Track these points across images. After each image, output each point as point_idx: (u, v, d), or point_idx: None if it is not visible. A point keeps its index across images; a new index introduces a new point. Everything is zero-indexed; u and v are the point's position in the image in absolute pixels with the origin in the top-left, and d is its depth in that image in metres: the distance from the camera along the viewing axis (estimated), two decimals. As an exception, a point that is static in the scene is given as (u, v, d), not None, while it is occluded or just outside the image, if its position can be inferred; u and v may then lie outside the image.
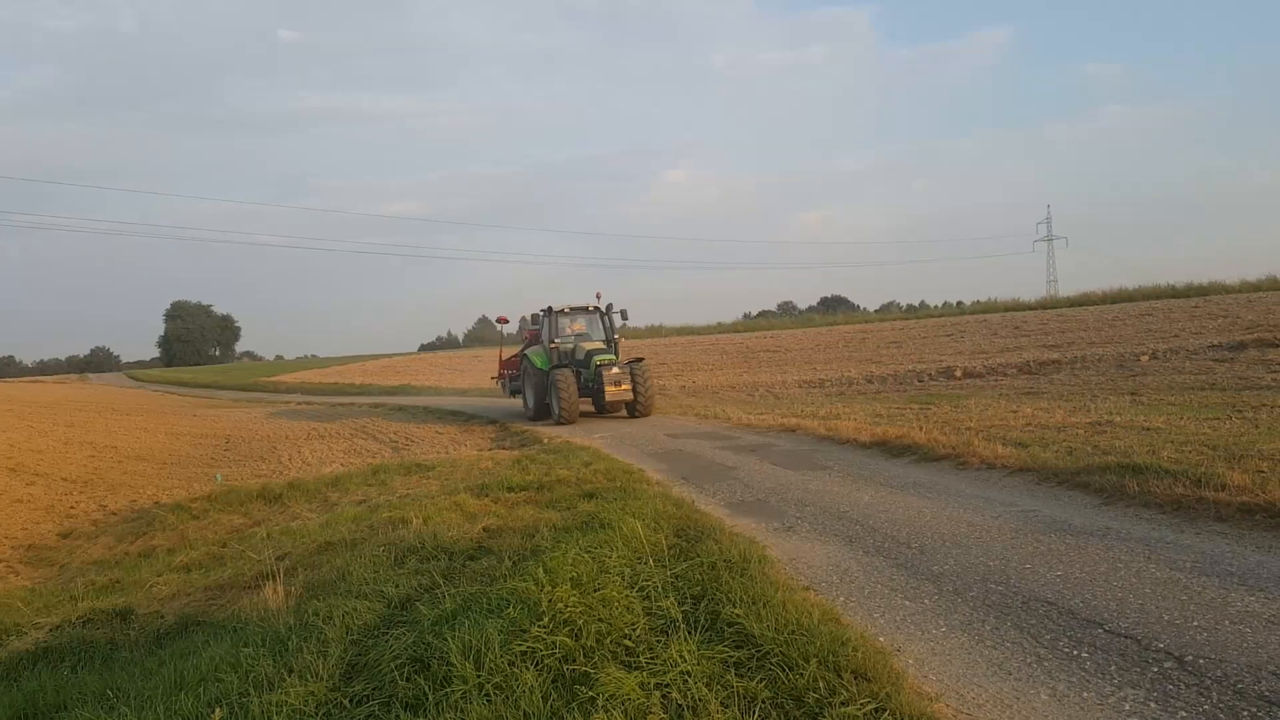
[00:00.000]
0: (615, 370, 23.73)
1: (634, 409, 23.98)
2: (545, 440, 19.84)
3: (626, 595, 5.97)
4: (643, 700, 4.56)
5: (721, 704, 4.56)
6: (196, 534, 13.79)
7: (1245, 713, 4.37)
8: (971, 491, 10.18)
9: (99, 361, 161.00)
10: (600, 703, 4.56)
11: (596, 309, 26.67)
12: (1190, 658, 5.06)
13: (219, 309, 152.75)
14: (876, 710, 4.37)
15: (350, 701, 5.32)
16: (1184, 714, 4.42)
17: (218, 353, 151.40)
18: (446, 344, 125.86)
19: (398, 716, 4.91)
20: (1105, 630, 5.61)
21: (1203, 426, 12.25)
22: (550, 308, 26.27)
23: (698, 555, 7.18)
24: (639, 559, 6.92)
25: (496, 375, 31.43)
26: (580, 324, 27.01)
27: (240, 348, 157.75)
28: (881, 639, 5.75)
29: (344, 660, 5.94)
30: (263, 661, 6.08)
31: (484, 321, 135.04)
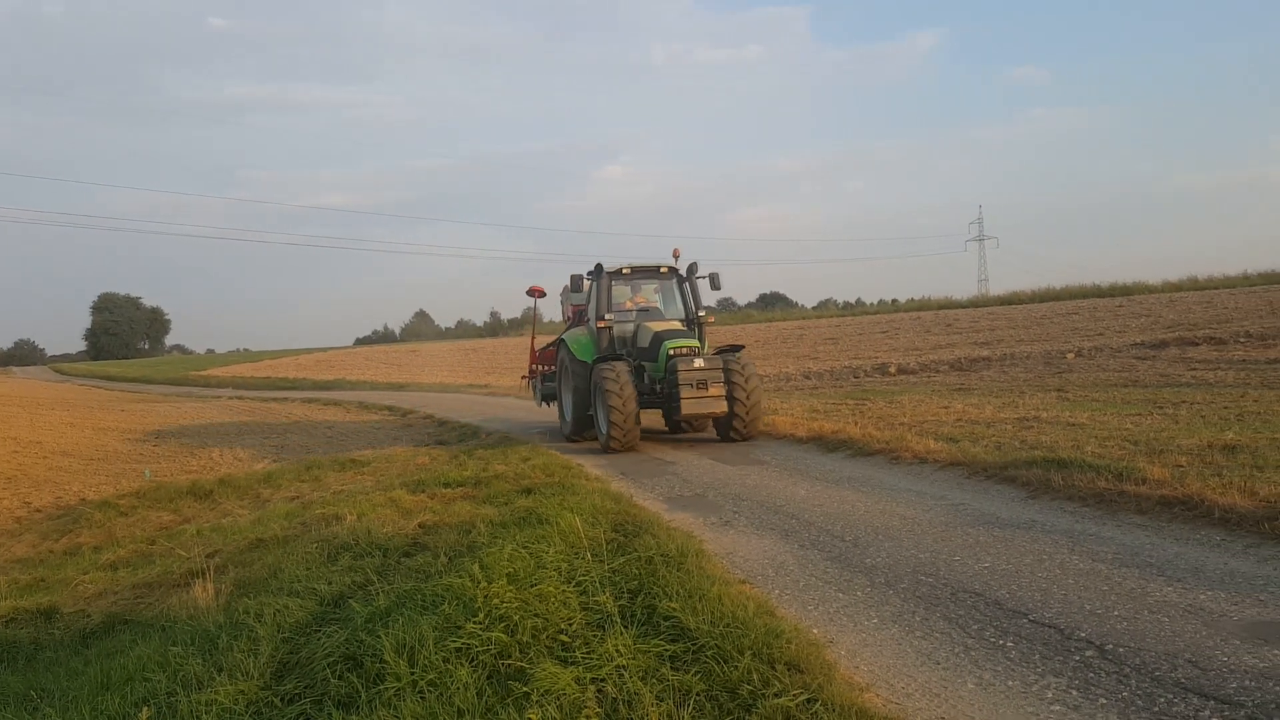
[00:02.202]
0: (699, 364, 14.70)
1: (729, 428, 15.32)
2: (483, 436, 19.73)
3: (563, 590, 5.97)
4: (578, 695, 4.57)
5: (656, 697, 4.58)
6: (124, 531, 13.49)
7: (1161, 699, 4.51)
8: (904, 485, 10.36)
9: (23, 354, 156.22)
10: (535, 698, 4.56)
11: (672, 271, 17.57)
12: (1110, 646, 5.21)
13: (148, 301, 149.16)
14: (808, 701, 4.43)
15: (282, 700, 5.26)
16: (1104, 701, 4.55)
17: (147, 346, 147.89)
18: (383, 338, 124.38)
19: (330, 715, 4.86)
20: (1030, 620, 5.76)
21: (1125, 422, 12.60)
22: (599, 267, 17.33)
23: (635, 550, 7.21)
24: (576, 554, 6.92)
25: (526, 373, 22.07)
26: (646, 294, 18.03)
27: (170, 341, 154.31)
28: (815, 631, 5.83)
29: (275, 658, 5.87)
30: (192, 660, 5.98)
31: (421, 315, 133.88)
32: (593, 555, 6.96)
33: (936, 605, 6.21)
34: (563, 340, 17.84)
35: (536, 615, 5.57)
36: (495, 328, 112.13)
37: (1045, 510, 8.59)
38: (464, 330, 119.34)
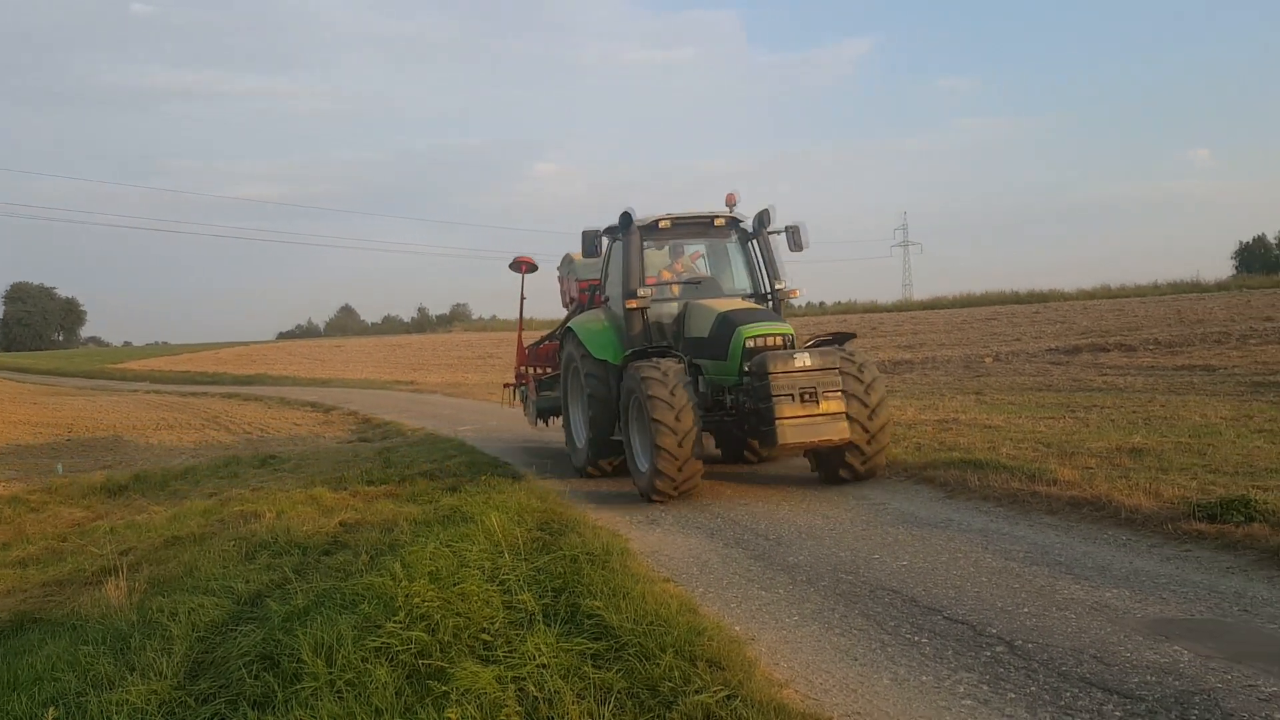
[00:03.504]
0: (805, 362, 9.81)
1: (840, 464, 10.34)
2: (409, 433, 19.53)
3: (486, 589, 5.96)
4: (498, 694, 4.57)
5: (578, 695, 4.60)
6: (34, 528, 13.06)
7: (1067, 693, 4.66)
8: (828, 485, 10.51)
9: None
10: (454, 697, 4.54)
11: (731, 224, 12.20)
12: (1020, 642, 5.36)
13: (63, 292, 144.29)
14: (728, 698, 4.49)
15: (195, 700, 5.17)
16: (1012, 695, 4.68)
17: (61, 338, 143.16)
18: (307, 332, 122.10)
19: (245, 714, 4.79)
20: (944, 617, 5.90)
21: (1038, 425, 12.95)
22: (627, 217, 11.69)
23: (560, 548, 7.23)
24: (500, 553, 6.91)
25: (512, 381, 17.06)
26: (691, 259, 12.96)
27: (85, 333, 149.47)
28: (737, 628, 5.91)
29: (189, 658, 5.77)
30: (102, 660, 5.86)
31: (347, 310, 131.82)
32: (516, 554, 6.96)
33: (855, 602, 6.33)
34: (569, 331, 12.48)
35: (458, 614, 5.56)
36: (423, 324, 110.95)
37: (961, 510, 8.80)
38: (391, 326, 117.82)
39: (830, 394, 9.67)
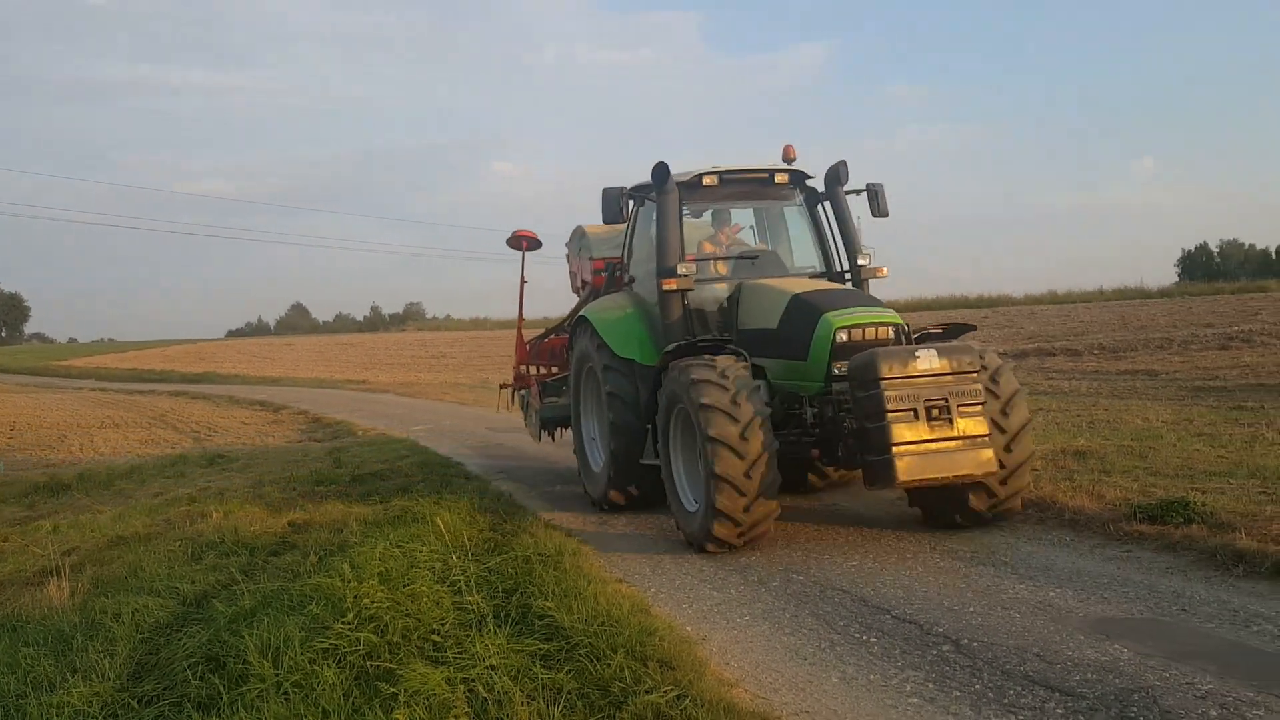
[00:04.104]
0: (929, 364, 7.13)
1: (965, 502, 7.68)
2: (360, 433, 19.36)
3: (436, 590, 5.94)
4: (448, 695, 4.56)
5: (528, 696, 4.60)
6: (-29, 528, 12.75)
7: (1011, 691, 4.74)
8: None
9: None
10: (403, 699, 4.52)
11: (795, 180, 9.69)
12: (966, 641, 5.44)
13: (6, 287, 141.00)
14: (678, 697, 4.51)
15: (139, 701, 5.10)
16: (958, 694, 4.75)
17: (4, 334, 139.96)
18: (258, 330, 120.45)
19: (189, 716, 4.73)
20: (892, 616, 5.97)
21: (989, 427, 13.13)
22: (663, 170, 9.06)
23: (512, 549, 7.24)
24: (451, 553, 6.89)
25: (511, 381, 13.91)
26: (732, 231, 10.14)
27: (30, 329, 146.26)
28: (688, 628, 5.94)
29: (133, 659, 5.70)
30: (43, 661, 5.77)
31: (298, 308, 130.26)
32: (468, 554, 6.94)
33: (806, 602, 6.39)
34: (582, 321, 9.87)
35: (408, 615, 5.53)
36: (376, 323, 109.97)
37: (912, 510, 8.90)
38: (343, 325, 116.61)
39: (968, 409, 7.07)
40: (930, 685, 4.89)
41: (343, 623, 5.40)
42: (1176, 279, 71.71)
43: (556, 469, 12.79)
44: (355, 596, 5.72)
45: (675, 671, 4.82)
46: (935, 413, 6.97)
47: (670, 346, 8.36)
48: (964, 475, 7.12)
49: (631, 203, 9.62)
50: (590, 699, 4.63)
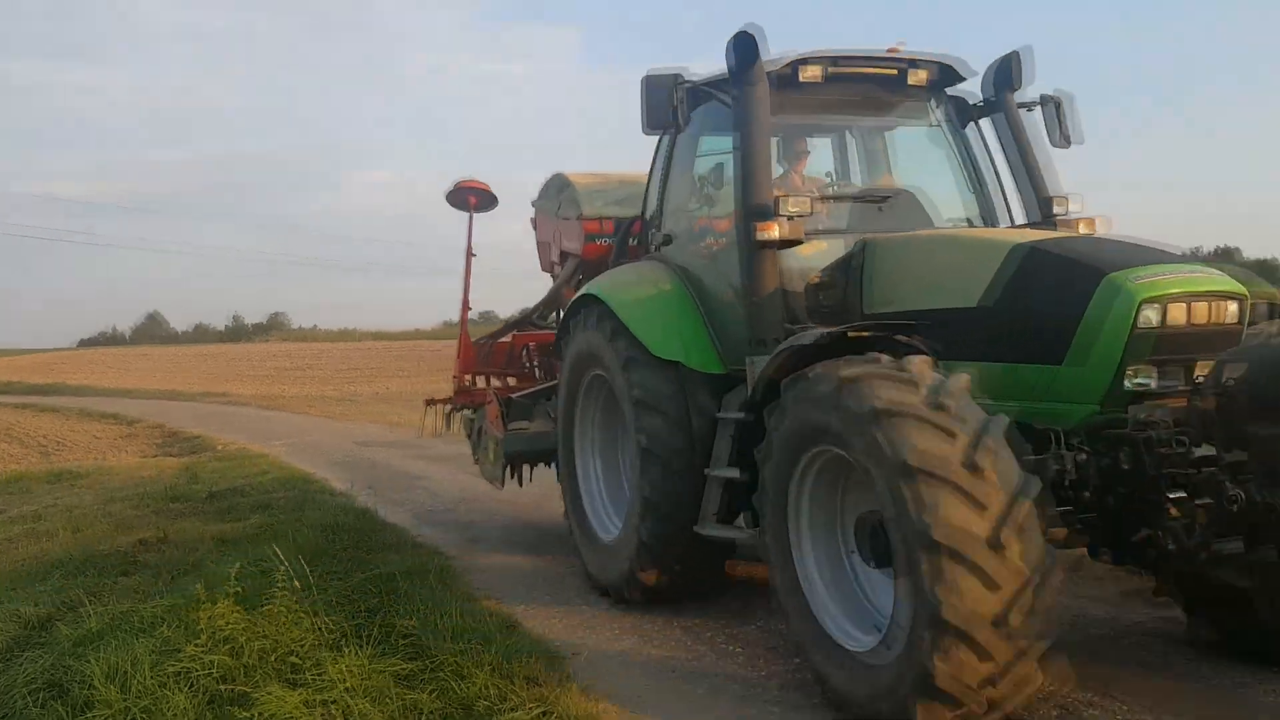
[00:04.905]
0: None
1: None
2: (219, 447, 18.67)
3: (295, 610, 5.76)
4: (304, 718, 4.44)
5: (388, 718, 4.54)
6: None
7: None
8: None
9: None
10: (257, 722, 4.39)
11: (943, 78, 6.41)
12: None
13: None
14: (543, 714, 4.53)
15: (-29, 734, 4.79)
16: (817, 700, 4.86)
17: None
18: (111, 340, 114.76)
19: (26, 748, 4.48)
20: (757, 627, 6.09)
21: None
22: (750, 40, 5.57)
23: (376, 566, 7.11)
24: (313, 572, 6.70)
25: (443, 398, 10.41)
26: (798, 166, 6.68)
27: None
28: (558, 643, 5.91)
29: (-34, 689, 5.34)
30: None
31: (154, 317, 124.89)
32: (330, 572, 6.78)
33: (675, 615, 6.41)
34: (589, 303, 6.83)
35: (265, 636, 5.36)
36: (238, 333, 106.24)
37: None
38: (202, 335, 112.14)
39: None
40: (795, 693, 5.00)
41: (195, 645, 5.20)
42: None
43: (432, 487, 12.61)
44: (209, 617, 5.50)
45: (541, 688, 4.82)
46: None
47: (795, 339, 5.00)
48: None
49: (680, 94, 5.91)
50: (453, 718, 4.58)
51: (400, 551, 7.75)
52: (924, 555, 3.84)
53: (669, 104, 5.88)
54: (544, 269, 9.38)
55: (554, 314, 9.20)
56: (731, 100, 5.83)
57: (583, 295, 6.95)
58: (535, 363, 9.54)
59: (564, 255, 8.75)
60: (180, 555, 7.98)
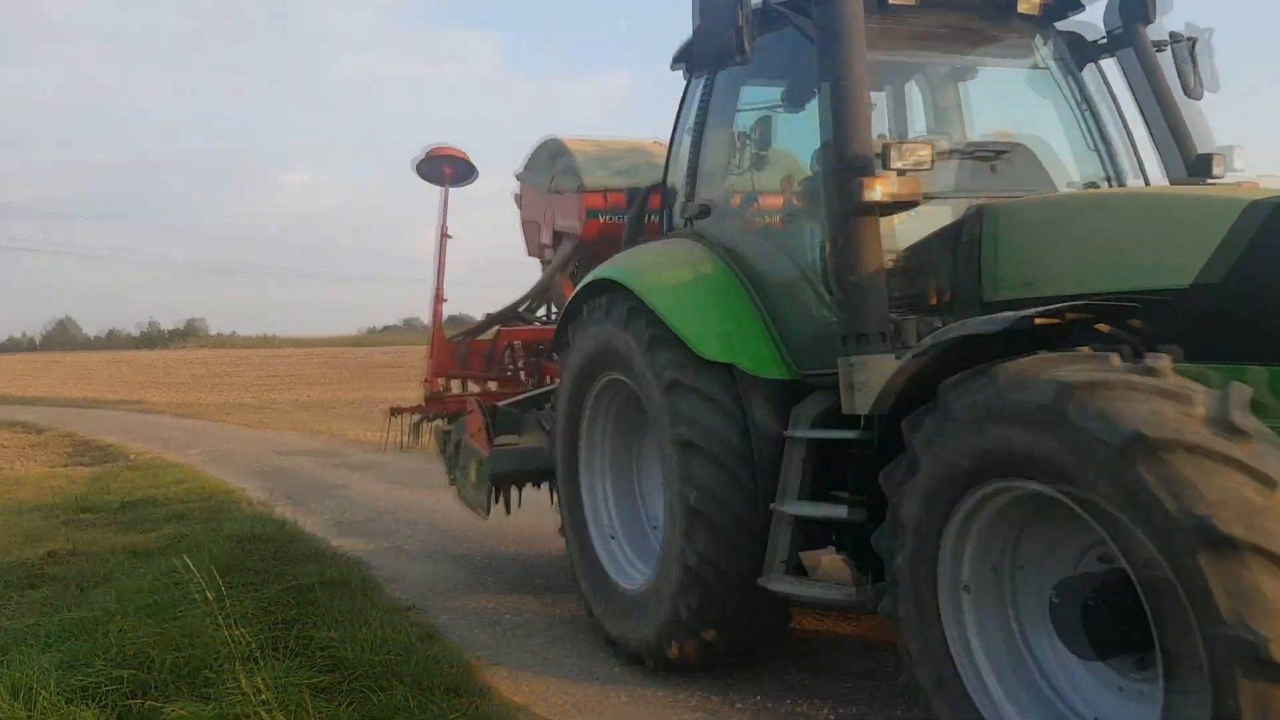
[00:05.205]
0: None
1: None
2: (133, 456, 18.18)
3: (209, 623, 5.65)
4: (217, 733, 4.36)
5: (304, 730, 4.47)
6: None
7: (788, 699, 4.94)
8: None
9: None
10: (168, 737, 4.29)
11: (1058, 7, 5.30)
12: (747, 659, 5.61)
13: None
14: (463, 724, 4.50)
15: None
16: (739, 704, 4.93)
17: None
18: (19, 346, 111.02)
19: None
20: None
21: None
22: None
23: (294, 577, 6.98)
24: (227, 582, 6.57)
25: (411, 406, 8.93)
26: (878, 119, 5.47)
27: None
28: (480, 654, 5.88)
29: None
30: None
31: (66, 322, 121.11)
32: (247, 584, 6.66)
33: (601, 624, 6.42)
34: (605, 288, 5.61)
35: (177, 649, 5.25)
36: (154, 339, 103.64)
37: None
38: (116, 341, 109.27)
39: None
40: (714, 699, 5.03)
41: (104, 659, 5.08)
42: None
43: (353, 496, 12.42)
44: (120, 631, 5.38)
45: (462, 698, 4.80)
46: None
47: (956, 329, 3.76)
48: None
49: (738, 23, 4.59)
50: (371, 731, 4.54)
51: (319, 562, 7.61)
52: (1244, 676, 2.55)
53: (730, 29, 4.54)
54: (531, 254, 8.21)
55: (545, 307, 8.35)
56: (817, 23, 4.61)
57: (597, 280, 5.69)
58: (520, 364, 8.36)
59: (558, 236, 7.61)
60: (90, 567, 7.76)
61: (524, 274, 8.31)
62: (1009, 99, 5.72)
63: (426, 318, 9.05)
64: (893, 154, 4.29)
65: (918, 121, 5.97)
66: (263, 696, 4.68)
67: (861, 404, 4.14)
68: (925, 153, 4.35)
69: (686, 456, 4.89)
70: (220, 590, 6.11)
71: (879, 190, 4.24)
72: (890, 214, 4.43)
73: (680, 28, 5.46)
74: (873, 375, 4.09)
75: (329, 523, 10.40)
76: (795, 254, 5.06)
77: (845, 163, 4.34)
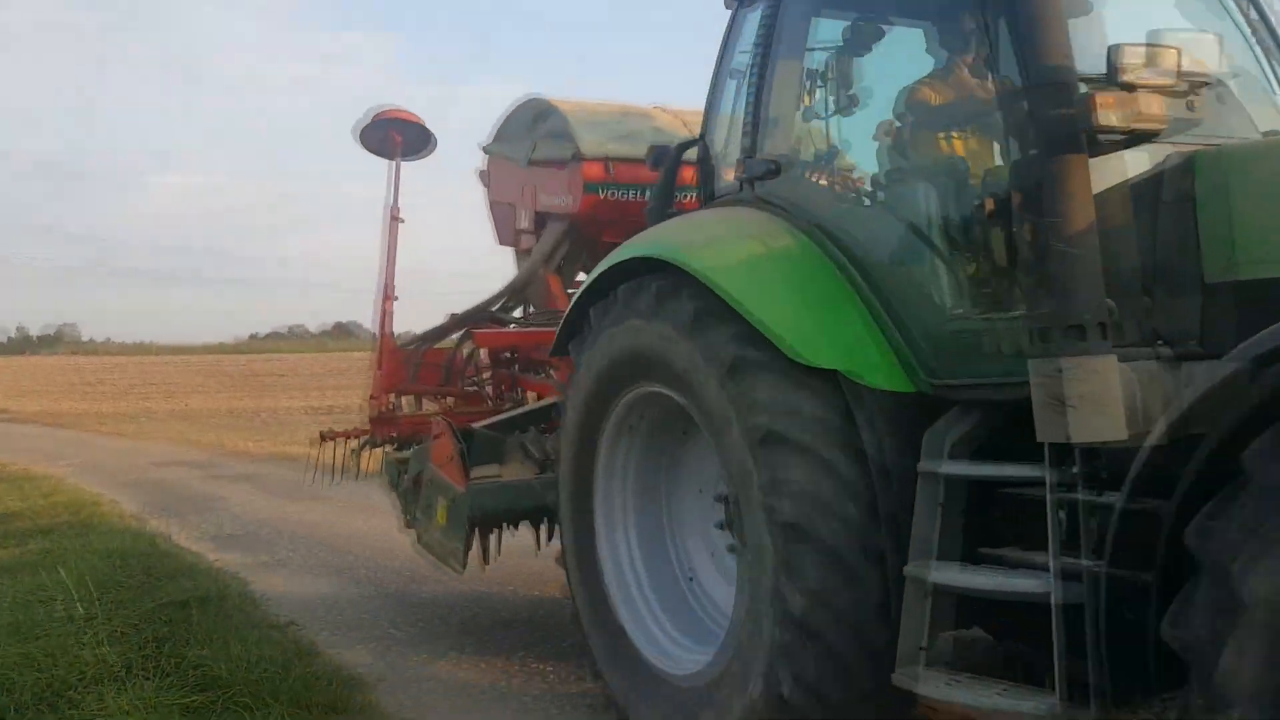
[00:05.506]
0: None
1: None
2: (-3, 467, 17.42)
3: (75, 643, 5.45)
4: (82, 757, 4.19)
5: (175, 752, 4.34)
6: None
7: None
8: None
9: None
10: (28, 764, 4.11)
11: None
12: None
13: None
14: (343, 743, 4.43)
15: None
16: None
17: None
18: None
19: None
20: (570, 644, 6.08)
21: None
22: None
23: (168, 594, 6.76)
24: (96, 601, 6.35)
25: (344, 431, 7.61)
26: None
27: None
28: (362, 669, 5.76)
29: None
30: None
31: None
32: (118, 601, 6.45)
33: (488, 638, 6.37)
34: (642, 267, 4.19)
35: (41, 671, 5.04)
36: (22, 345, 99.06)
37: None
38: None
39: None
40: (604, 713, 5.06)
41: (-40, 682, 4.83)
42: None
43: (232, 509, 12.09)
44: (-23, 653, 5.13)
45: (340, 716, 4.75)
46: None
47: None
48: None
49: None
50: (247, 750, 4.43)
51: (194, 577, 7.40)
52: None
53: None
54: (503, 242, 6.92)
55: (523, 306, 6.94)
56: None
57: (632, 259, 4.29)
58: (485, 376, 7.05)
59: (541, 218, 6.41)
60: (-55, 586, 7.39)
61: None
62: (1150, 16, 3.72)
63: (369, 322, 7.45)
64: (1126, 59, 2.93)
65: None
66: (132, 718, 4.55)
67: (1081, 428, 2.81)
68: (1172, 60, 2.97)
69: (770, 455, 3.49)
70: (89, 607, 5.94)
71: (1115, 113, 2.91)
72: (1112, 151, 3.10)
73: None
74: (1097, 385, 2.80)
75: (206, 536, 10.16)
76: (923, 221, 3.70)
77: (1038, 75, 3.03)
